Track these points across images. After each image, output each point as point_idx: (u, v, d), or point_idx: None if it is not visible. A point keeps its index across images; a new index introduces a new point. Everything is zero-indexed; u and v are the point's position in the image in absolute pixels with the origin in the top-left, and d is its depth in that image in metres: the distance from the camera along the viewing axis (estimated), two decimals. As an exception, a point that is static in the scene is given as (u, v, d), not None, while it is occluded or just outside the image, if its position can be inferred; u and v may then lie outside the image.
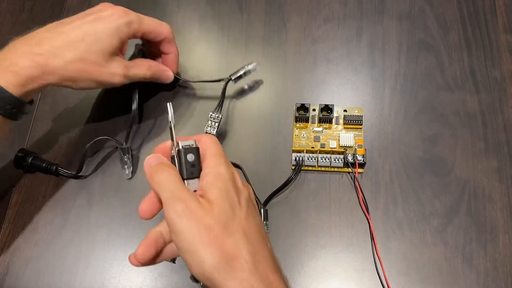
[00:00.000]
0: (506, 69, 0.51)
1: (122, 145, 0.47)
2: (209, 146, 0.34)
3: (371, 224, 0.44)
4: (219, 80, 0.49)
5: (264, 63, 0.53)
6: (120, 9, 0.43)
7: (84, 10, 0.57)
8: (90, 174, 0.48)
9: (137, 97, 0.48)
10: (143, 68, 0.46)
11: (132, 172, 0.48)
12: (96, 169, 0.49)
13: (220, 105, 0.48)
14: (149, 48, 0.49)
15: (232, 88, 0.52)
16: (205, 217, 0.30)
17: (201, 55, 0.55)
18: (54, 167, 0.47)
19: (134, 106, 0.48)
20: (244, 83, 0.52)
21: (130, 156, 0.48)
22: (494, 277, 0.42)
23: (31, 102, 0.42)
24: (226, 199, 0.31)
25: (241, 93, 0.52)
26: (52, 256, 0.45)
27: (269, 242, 0.33)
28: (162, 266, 0.44)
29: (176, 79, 0.50)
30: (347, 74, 0.52)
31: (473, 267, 0.42)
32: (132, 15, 0.43)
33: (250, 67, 0.49)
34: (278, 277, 0.31)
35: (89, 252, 0.45)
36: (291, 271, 0.43)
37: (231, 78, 0.49)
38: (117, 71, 0.43)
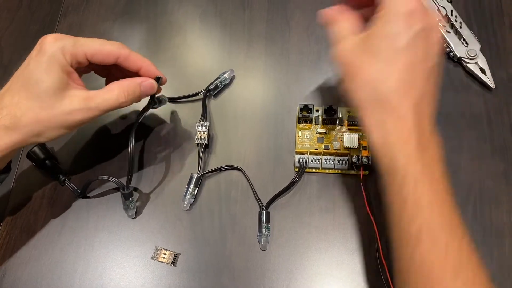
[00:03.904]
0: (513, 69, 0.50)
1: (124, 189, 0.43)
2: None
3: (376, 227, 0.43)
4: (197, 94, 0.49)
5: (267, 62, 0.52)
6: (50, 37, 0.37)
7: (82, 6, 0.57)
8: (93, 197, 0.46)
9: (133, 140, 0.41)
10: (113, 93, 0.39)
11: (136, 213, 0.45)
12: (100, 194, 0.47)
13: (204, 116, 0.48)
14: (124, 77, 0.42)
15: (233, 88, 0.51)
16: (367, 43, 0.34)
17: (202, 53, 0.54)
18: (63, 178, 0.45)
19: (131, 148, 0.41)
20: (249, 82, 0.51)
21: (132, 199, 0.44)
22: (501, 283, 0.41)
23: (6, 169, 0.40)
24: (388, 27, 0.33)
25: (243, 93, 0.51)
26: (50, 259, 0.44)
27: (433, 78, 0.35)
28: (162, 269, 0.43)
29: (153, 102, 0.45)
30: (351, 74, 0.51)
31: (479, 271, 0.42)
32: (65, 39, 0.38)
33: (225, 75, 0.50)
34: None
35: (88, 255, 0.44)
36: (293, 275, 0.42)
37: (209, 90, 0.49)
38: (73, 107, 0.37)
